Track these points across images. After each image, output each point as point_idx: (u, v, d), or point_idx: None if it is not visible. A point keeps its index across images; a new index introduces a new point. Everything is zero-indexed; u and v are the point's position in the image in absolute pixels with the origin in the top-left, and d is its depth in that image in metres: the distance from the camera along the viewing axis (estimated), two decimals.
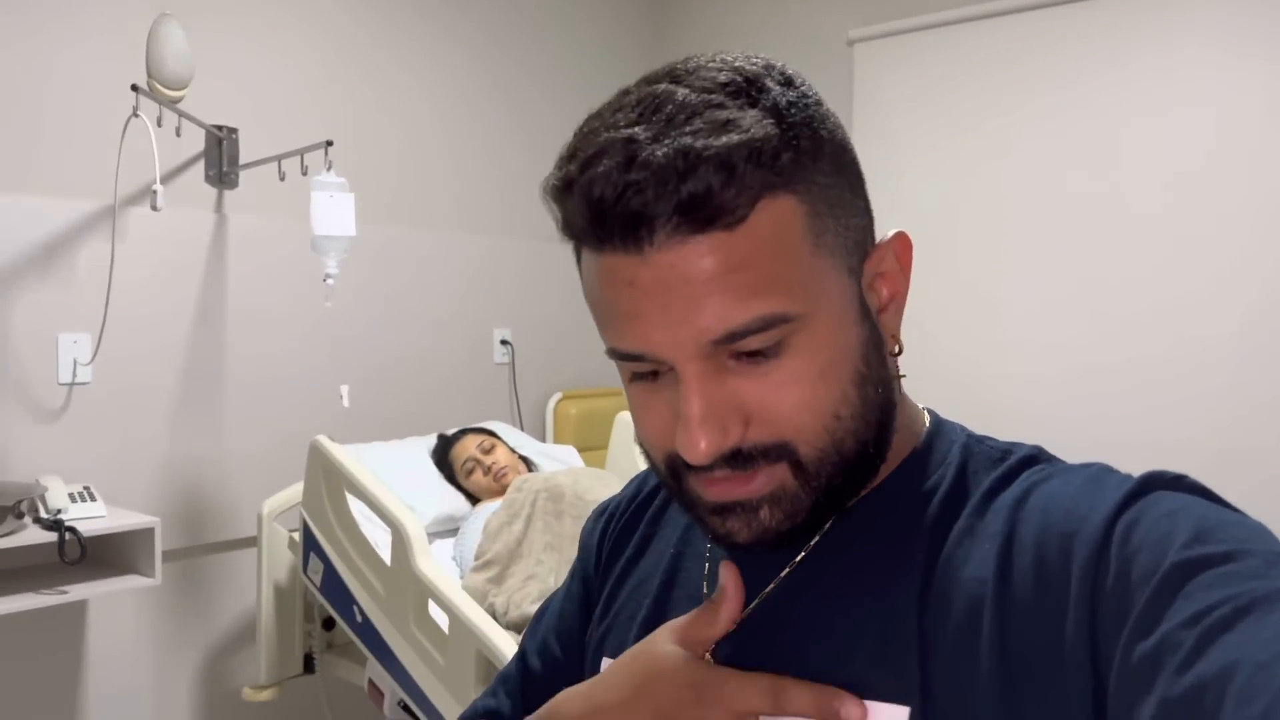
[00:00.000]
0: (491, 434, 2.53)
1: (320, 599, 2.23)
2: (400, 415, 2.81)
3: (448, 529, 2.39)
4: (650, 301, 0.52)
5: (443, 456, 2.48)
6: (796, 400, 0.53)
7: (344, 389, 2.28)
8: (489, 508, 2.29)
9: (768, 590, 0.61)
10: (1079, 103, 2.68)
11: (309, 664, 2.45)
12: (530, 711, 0.68)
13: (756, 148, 0.51)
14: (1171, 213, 2.54)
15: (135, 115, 2.07)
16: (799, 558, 0.60)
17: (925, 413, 0.65)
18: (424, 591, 1.92)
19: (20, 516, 2.02)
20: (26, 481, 2.16)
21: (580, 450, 2.88)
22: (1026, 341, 2.78)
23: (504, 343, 3.12)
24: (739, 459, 0.54)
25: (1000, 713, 0.50)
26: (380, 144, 2.84)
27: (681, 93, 0.52)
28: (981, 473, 0.59)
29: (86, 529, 2.05)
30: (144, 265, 2.39)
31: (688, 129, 0.50)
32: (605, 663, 0.68)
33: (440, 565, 1.99)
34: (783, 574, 0.61)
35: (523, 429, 3.04)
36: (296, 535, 2.32)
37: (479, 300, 3.06)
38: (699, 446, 0.52)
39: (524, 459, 2.50)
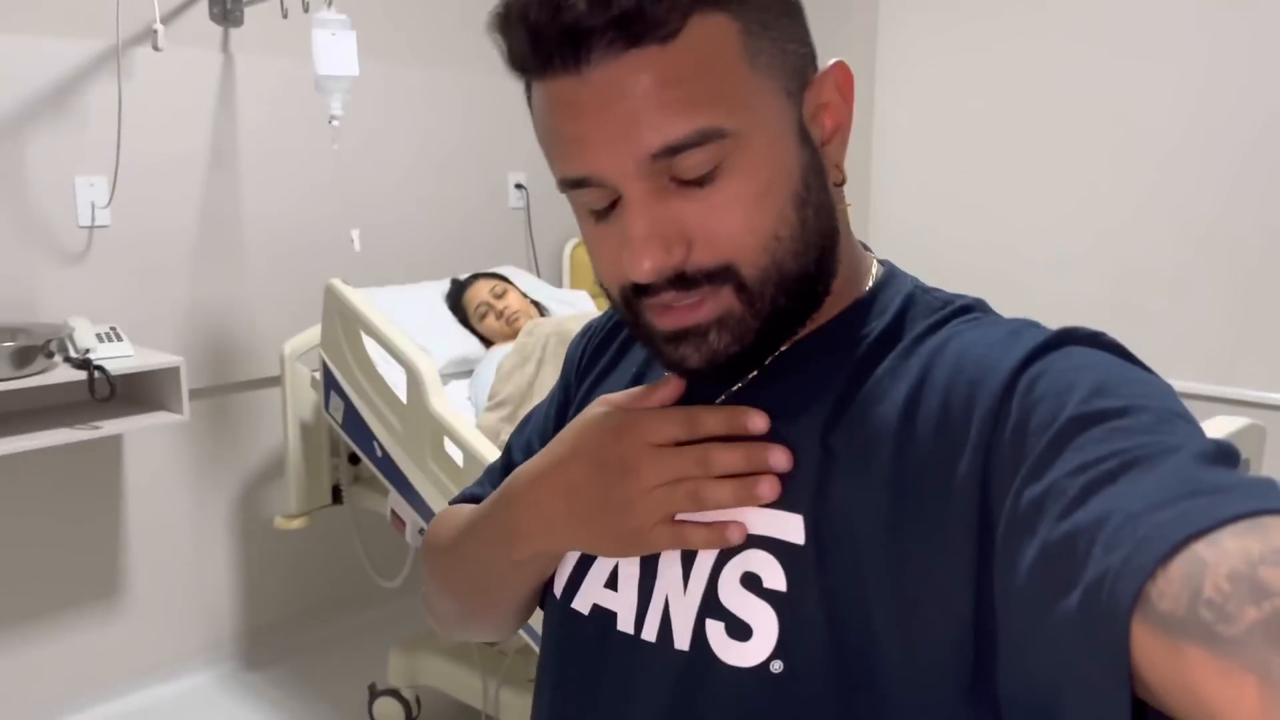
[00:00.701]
0: (504, 279, 2.55)
1: (342, 435, 2.32)
2: (415, 260, 2.84)
3: (462, 370, 2.45)
4: (591, 120, 0.54)
5: (456, 301, 2.52)
6: (737, 221, 0.55)
7: (354, 233, 2.30)
8: (501, 351, 2.34)
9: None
10: (1100, 56, 2.55)
11: (337, 495, 2.57)
12: None
13: None
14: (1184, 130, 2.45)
15: None
16: (735, 387, 0.63)
17: (879, 263, 0.67)
18: (439, 429, 1.99)
19: (50, 356, 2.10)
20: (54, 323, 2.23)
21: (594, 296, 2.91)
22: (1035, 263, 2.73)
23: (519, 186, 3.11)
24: (684, 282, 0.56)
25: (885, 534, 0.53)
26: None
27: None
28: (918, 320, 0.61)
29: (114, 367, 2.13)
30: (154, 107, 2.38)
31: None
32: None
33: (453, 404, 2.06)
34: (718, 400, 0.63)
35: (539, 274, 3.06)
36: (318, 374, 2.40)
37: (494, 143, 3.03)
38: (643, 264, 0.55)
39: (535, 304, 2.53)
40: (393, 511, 2.25)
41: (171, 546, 2.63)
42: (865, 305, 0.63)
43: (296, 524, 2.51)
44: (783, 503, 0.57)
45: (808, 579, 0.55)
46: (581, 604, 0.65)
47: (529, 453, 0.79)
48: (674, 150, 0.53)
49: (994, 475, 0.50)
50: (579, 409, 0.74)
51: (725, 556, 0.58)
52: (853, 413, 0.57)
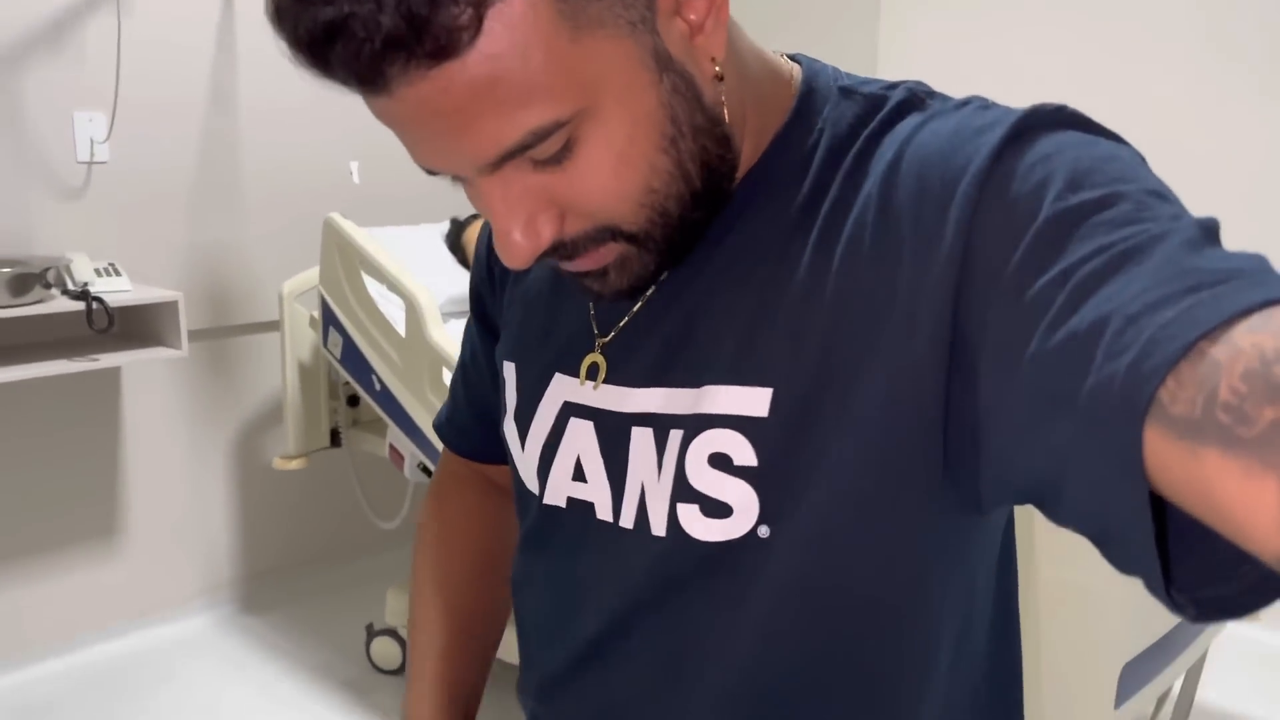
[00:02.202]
0: None
1: (341, 370, 2.31)
2: (414, 200, 2.83)
3: (460, 310, 2.44)
4: (418, 133, 0.49)
5: (455, 240, 2.51)
6: (603, 189, 0.50)
7: (354, 165, 2.29)
8: None
9: (649, 294, 0.60)
10: (1102, 42, 2.52)
11: (335, 438, 2.57)
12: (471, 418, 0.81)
13: None
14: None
15: None
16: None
17: (794, 72, 0.60)
18: (437, 360, 1.98)
19: (48, 286, 2.10)
20: (53, 256, 2.22)
21: None
22: None
23: None
24: (564, 250, 0.53)
25: (854, 387, 0.51)
26: None
27: None
28: (857, 128, 0.56)
29: (113, 301, 2.12)
30: (153, 43, 2.37)
31: None
32: (506, 367, 0.69)
33: (451, 336, 2.06)
34: (662, 277, 0.59)
35: None
36: (317, 315, 2.39)
37: None
38: (514, 256, 0.51)
39: None
40: (391, 446, 2.25)
41: (170, 487, 2.63)
42: (791, 130, 0.57)
43: (295, 465, 2.51)
44: (750, 377, 0.54)
45: (778, 449, 0.53)
46: (555, 498, 0.64)
47: (470, 348, 0.81)
48: (510, 155, 0.48)
49: (968, 286, 0.47)
50: (507, 311, 0.72)
51: (689, 438, 0.56)
52: (812, 266, 0.53)
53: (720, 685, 0.58)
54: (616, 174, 0.50)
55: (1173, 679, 1.61)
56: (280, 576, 2.84)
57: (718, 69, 0.53)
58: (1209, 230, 0.41)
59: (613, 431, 0.60)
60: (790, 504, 0.53)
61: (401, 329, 2.09)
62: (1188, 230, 0.41)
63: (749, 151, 0.57)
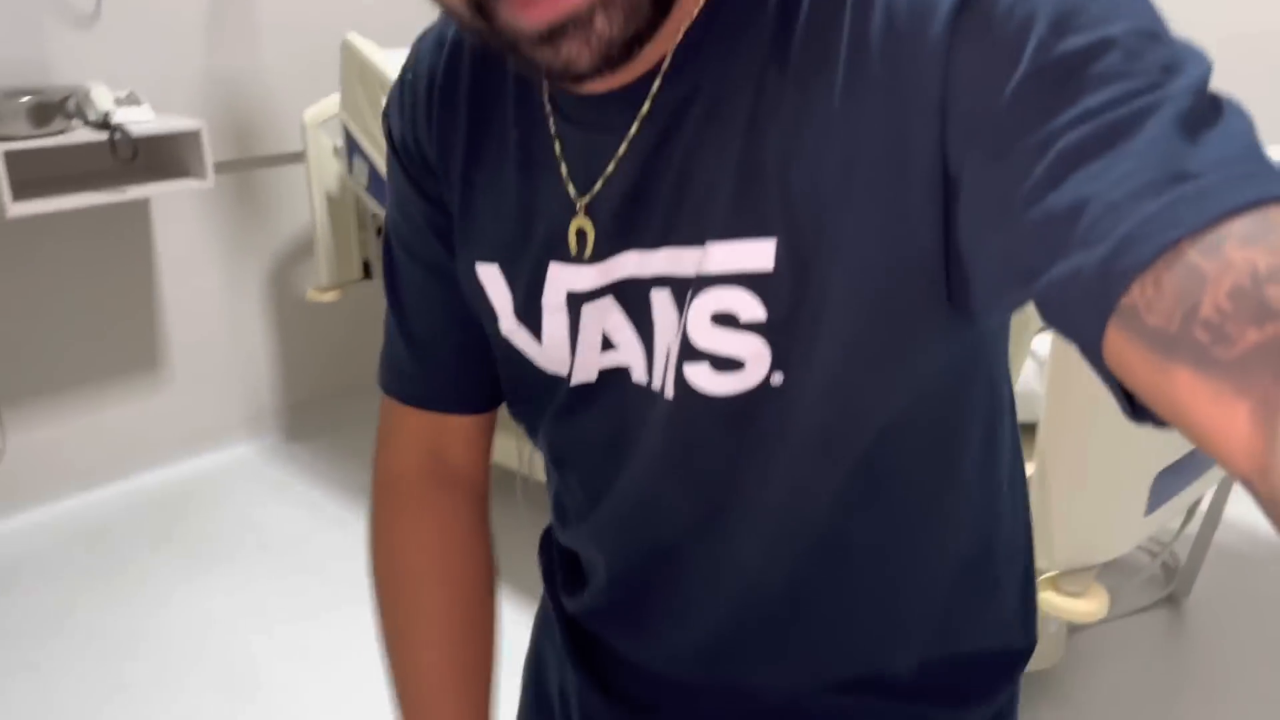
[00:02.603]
0: None
1: (367, 200, 2.29)
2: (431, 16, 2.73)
3: None
4: None
5: None
6: None
7: None
8: None
9: (619, 155, 0.55)
10: None
11: (367, 270, 2.58)
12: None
13: None
14: None
15: None
16: (649, 99, 0.53)
17: None
18: None
19: (70, 115, 2.07)
20: (72, 85, 2.18)
21: None
22: None
23: None
24: None
25: (852, 231, 0.48)
26: None
27: None
28: None
29: (135, 130, 2.09)
30: None
31: None
32: (480, 268, 0.62)
33: None
34: (636, 121, 0.54)
35: None
36: (341, 144, 2.35)
37: None
38: None
39: None
40: None
41: (208, 320, 2.67)
42: None
43: (328, 296, 2.52)
44: (751, 229, 0.50)
45: (786, 300, 0.51)
46: (585, 375, 0.60)
47: (409, 254, 0.67)
48: None
49: (950, 135, 0.44)
50: (465, 204, 0.63)
51: (692, 299, 0.53)
52: (787, 98, 0.49)
53: (758, 530, 0.59)
54: None
55: (1202, 490, 1.63)
56: (320, 405, 2.90)
57: None
58: (1200, 90, 0.38)
59: (634, 298, 0.56)
60: (802, 350, 0.52)
61: None
62: (1177, 100, 0.38)
63: None
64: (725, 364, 0.53)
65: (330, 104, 2.38)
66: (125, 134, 2.06)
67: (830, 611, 0.61)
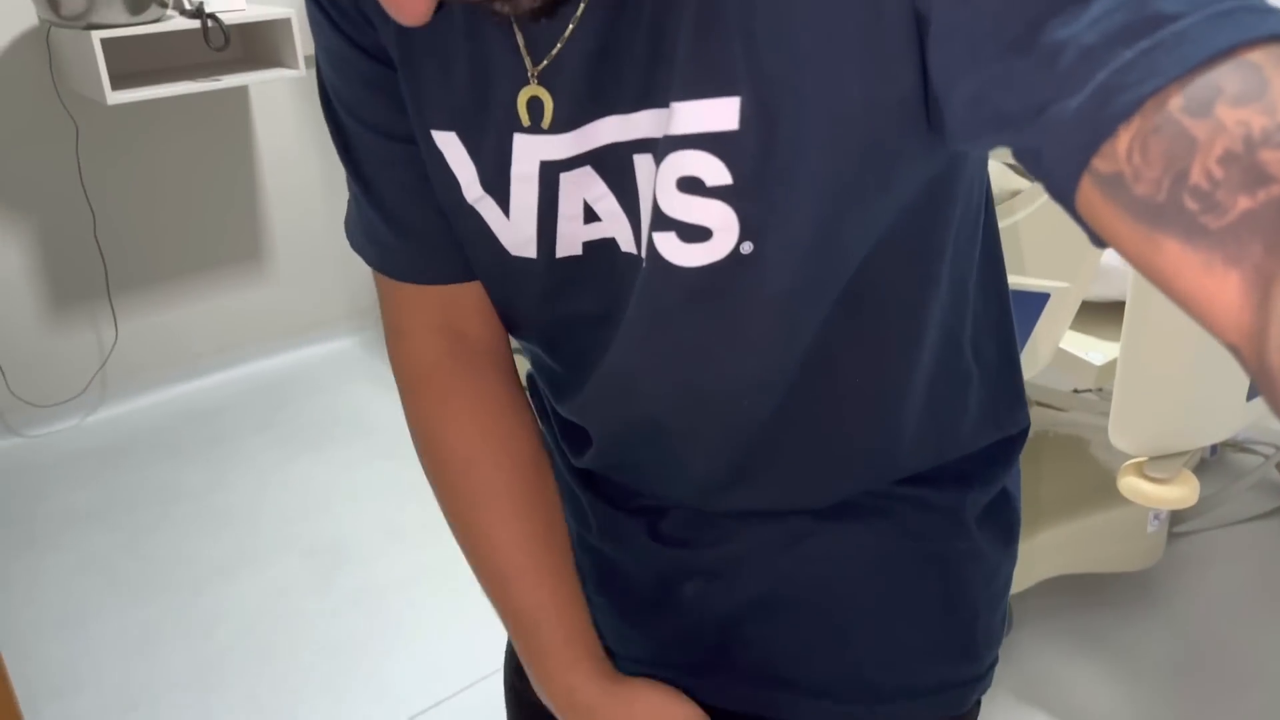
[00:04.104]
0: None
1: None
2: None
3: None
4: None
5: None
6: None
7: None
8: None
9: (573, 19, 0.50)
10: None
11: None
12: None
13: None
14: None
15: None
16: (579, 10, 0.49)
17: None
18: None
19: (164, 5, 2.11)
20: None
21: None
22: None
23: None
24: None
25: (821, 84, 0.46)
26: None
27: None
28: None
29: (227, 19, 2.12)
30: None
31: None
32: (442, 137, 0.56)
33: None
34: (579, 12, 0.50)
35: None
36: None
37: None
38: None
39: None
40: None
41: (309, 212, 2.73)
42: None
43: None
44: (712, 88, 0.47)
45: (753, 162, 0.48)
46: (569, 249, 0.57)
47: (358, 119, 0.59)
48: None
49: None
50: (406, 67, 0.56)
51: (657, 162, 0.50)
52: None
53: (737, 397, 0.57)
54: None
55: None
56: None
57: None
58: None
59: (615, 166, 0.53)
60: (773, 216, 0.49)
61: None
62: None
63: None
64: (692, 233, 0.50)
65: None
66: (218, 22, 2.09)
67: (820, 432, 0.60)
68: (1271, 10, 0.33)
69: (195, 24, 2.10)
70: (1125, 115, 0.32)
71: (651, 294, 0.54)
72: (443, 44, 0.55)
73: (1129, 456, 1.24)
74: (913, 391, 0.60)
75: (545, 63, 0.52)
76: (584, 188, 0.54)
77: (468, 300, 0.65)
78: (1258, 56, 0.31)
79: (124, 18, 2.02)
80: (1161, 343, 1.18)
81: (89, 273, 2.46)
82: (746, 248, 0.50)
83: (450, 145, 0.57)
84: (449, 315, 0.66)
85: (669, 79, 0.49)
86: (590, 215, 0.55)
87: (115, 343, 2.54)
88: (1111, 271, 1.39)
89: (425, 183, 0.59)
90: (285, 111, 2.61)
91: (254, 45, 2.32)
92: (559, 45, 0.51)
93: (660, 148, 0.50)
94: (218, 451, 2.40)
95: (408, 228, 0.62)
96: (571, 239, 0.56)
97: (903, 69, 0.45)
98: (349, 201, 0.65)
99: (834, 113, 0.46)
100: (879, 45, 0.44)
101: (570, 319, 0.61)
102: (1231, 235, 0.30)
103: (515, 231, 0.57)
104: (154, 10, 2.07)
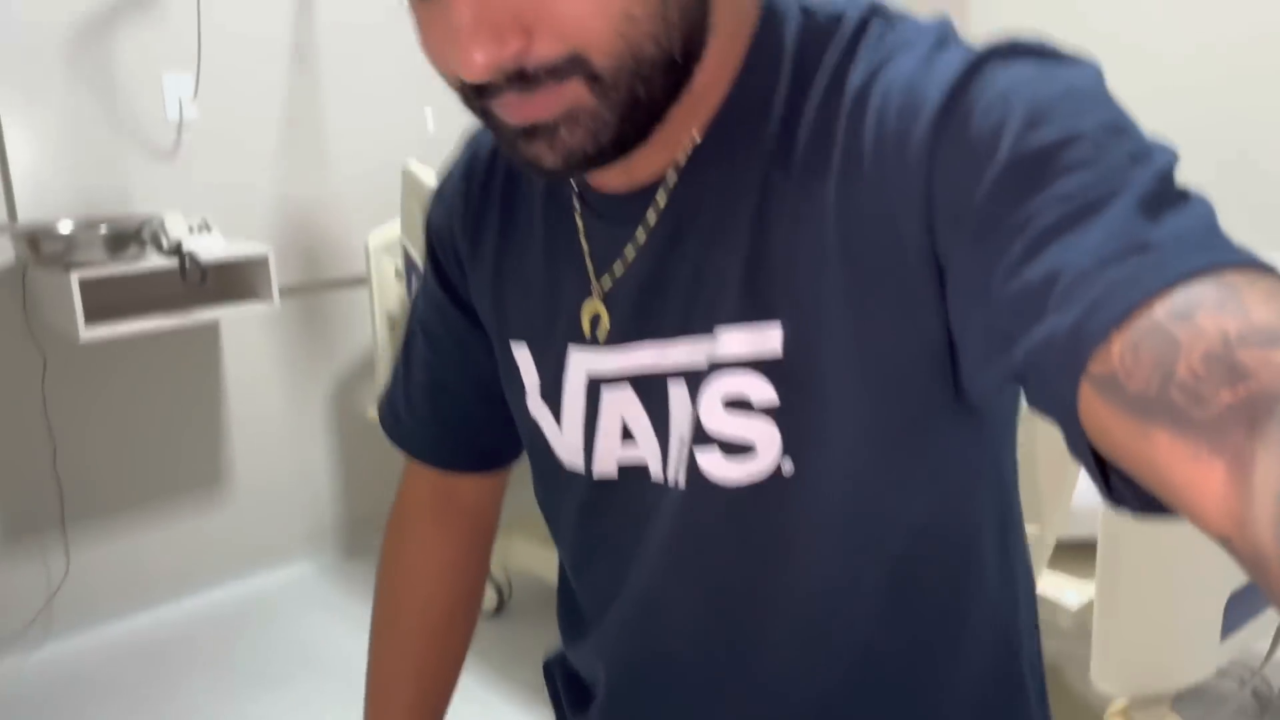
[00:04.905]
0: None
1: None
2: None
3: None
4: None
5: None
6: (581, 1, 0.47)
7: (428, 111, 2.29)
8: None
9: (633, 248, 0.59)
10: None
11: None
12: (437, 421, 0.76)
13: None
14: None
15: None
16: (660, 199, 0.57)
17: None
18: None
19: (144, 243, 2.17)
20: (147, 214, 2.29)
21: None
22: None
23: None
24: (525, 80, 0.48)
25: (855, 319, 0.51)
26: None
27: None
28: (820, 53, 0.54)
29: (205, 256, 2.18)
30: (233, 2, 2.41)
31: None
32: (517, 347, 0.66)
33: None
34: (649, 218, 0.58)
35: None
36: (402, 265, 2.42)
37: None
38: (473, 60, 0.47)
39: None
40: None
41: (270, 439, 2.71)
42: (757, 60, 0.55)
43: None
44: (757, 313, 0.53)
45: (797, 385, 0.53)
46: (605, 468, 0.62)
47: (428, 337, 0.74)
48: None
49: (937, 223, 0.47)
50: (495, 286, 0.67)
51: (705, 384, 0.55)
52: (793, 201, 0.53)
53: (771, 630, 0.58)
54: None
55: None
56: (380, 523, 2.89)
57: None
58: (1164, 176, 0.42)
59: (652, 390, 0.58)
60: (813, 437, 0.53)
61: None
62: (1143, 183, 0.41)
63: (715, 59, 0.54)
64: (736, 449, 0.54)
65: (393, 228, 2.46)
66: (195, 261, 2.15)
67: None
68: (1245, 249, 0.38)
69: (173, 262, 2.16)
70: (1117, 321, 0.36)
71: (690, 513, 0.57)
72: (526, 269, 0.65)
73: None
74: (958, 700, 0.60)
75: (607, 284, 0.60)
76: (623, 406, 0.60)
77: (472, 485, 0.80)
78: (1231, 276, 0.36)
79: (103, 257, 2.07)
80: (1136, 581, 1.19)
81: (44, 504, 2.40)
82: (788, 466, 0.54)
83: (523, 355, 0.66)
84: (445, 482, 0.80)
85: (715, 306, 0.55)
86: (626, 434, 0.60)
87: (65, 575, 2.45)
88: (1083, 512, 1.42)
89: (455, 389, 0.74)
90: (254, 340, 2.64)
91: (229, 278, 2.38)
92: (619, 269, 0.59)
93: (703, 371, 0.55)
94: (165, 693, 2.28)
95: (431, 420, 0.77)
96: (608, 457, 0.61)
97: (927, 317, 0.49)
98: (388, 385, 0.80)
99: (866, 348, 0.51)
100: (904, 291, 0.50)
101: (598, 542, 0.65)
102: (1216, 426, 0.33)
103: (566, 443, 0.64)
104: (133, 250, 2.13)
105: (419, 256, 2.28)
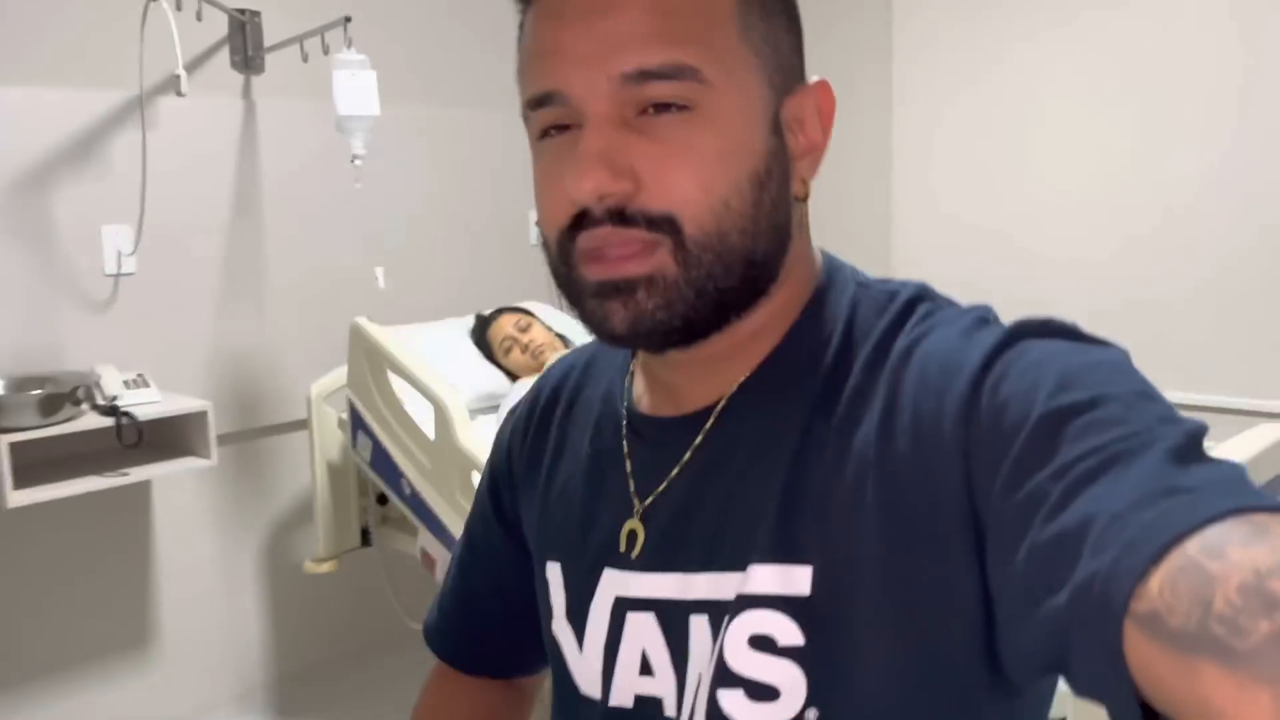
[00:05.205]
0: (528, 313, 2.54)
1: (370, 474, 2.30)
2: (437, 297, 2.84)
3: (489, 405, 2.43)
4: (572, 32, 0.54)
5: (481, 335, 2.51)
6: (690, 171, 0.54)
7: (379, 270, 2.30)
8: (527, 384, 2.32)
9: (675, 473, 0.62)
10: (1111, 22, 2.55)
11: (366, 537, 2.55)
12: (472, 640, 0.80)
13: None
14: (1201, 133, 2.44)
15: (153, 0, 2.06)
16: (705, 429, 0.61)
17: (819, 255, 0.65)
18: (467, 464, 1.97)
19: (78, 403, 2.10)
20: (82, 370, 2.23)
21: None
22: (1059, 264, 2.71)
23: (539, 223, 3.11)
24: (621, 220, 0.54)
25: (885, 556, 0.52)
26: (401, 18, 2.79)
27: None
28: (870, 323, 0.59)
29: (142, 413, 2.12)
30: (177, 155, 2.40)
31: None
32: (550, 568, 0.68)
33: (482, 438, 2.04)
34: (693, 445, 0.61)
35: (560, 308, 3.04)
36: (345, 415, 2.39)
37: (512, 182, 3.04)
38: (586, 181, 0.53)
39: (560, 336, 2.52)
40: (423, 550, 2.23)
41: (200, 594, 2.61)
42: (814, 316, 0.61)
43: (326, 568, 2.49)
44: (790, 554, 0.55)
45: (824, 628, 0.54)
46: (622, 699, 0.62)
47: (471, 542, 0.80)
48: (647, 75, 0.53)
49: (974, 478, 0.50)
50: (541, 508, 0.72)
51: (730, 621, 0.56)
52: (835, 446, 0.56)
53: None
54: (710, 164, 0.54)
55: None
56: (313, 678, 2.79)
57: (805, 190, 0.60)
58: (1193, 436, 0.44)
59: (674, 621, 0.59)
60: (840, 684, 0.53)
61: (430, 431, 2.08)
62: (1174, 437, 0.43)
63: (775, 305, 0.60)
64: (761, 691, 0.54)
65: (335, 377, 2.44)
66: (132, 419, 2.09)
67: None
68: (1272, 497, 0.40)
69: (108, 422, 2.10)
70: (1154, 559, 0.37)
71: None
72: (569, 491, 0.68)
73: None
74: None
75: (647, 502, 0.62)
76: (645, 635, 0.61)
77: (492, 684, 0.82)
78: (1259, 517, 0.38)
79: (36, 420, 2.00)
80: None
81: None
82: (812, 715, 0.53)
83: (555, 574, 0.67)
84: (466, 681, 0.82)
85: (746, 541, 0.56)
86: (645, 667, 0.61)
87: None
88: None
89: (475, 599, 0.79)
90: (186, 495, 2.56)
91: (165, 433, 2.31)
92: (658, 491, 0.62)
93: (733, 606, 0.55)
94: None
95: (449, 614, 0.81)
96: (626, 688, 0.61)
97: (964, 573, 0.50)
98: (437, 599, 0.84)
99: (898, 596, 0.52)
100: (940, 539, 0.50)
101: None
102: (1258, 656, 0.33)
103: (585, 667, 0.64)
104: (67, 410, 2.06)
105: (365, 412, 2.26)
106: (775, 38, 0.58)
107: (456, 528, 2.03)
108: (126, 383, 2.20)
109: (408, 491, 2.15)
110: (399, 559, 2.55)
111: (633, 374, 0.68)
